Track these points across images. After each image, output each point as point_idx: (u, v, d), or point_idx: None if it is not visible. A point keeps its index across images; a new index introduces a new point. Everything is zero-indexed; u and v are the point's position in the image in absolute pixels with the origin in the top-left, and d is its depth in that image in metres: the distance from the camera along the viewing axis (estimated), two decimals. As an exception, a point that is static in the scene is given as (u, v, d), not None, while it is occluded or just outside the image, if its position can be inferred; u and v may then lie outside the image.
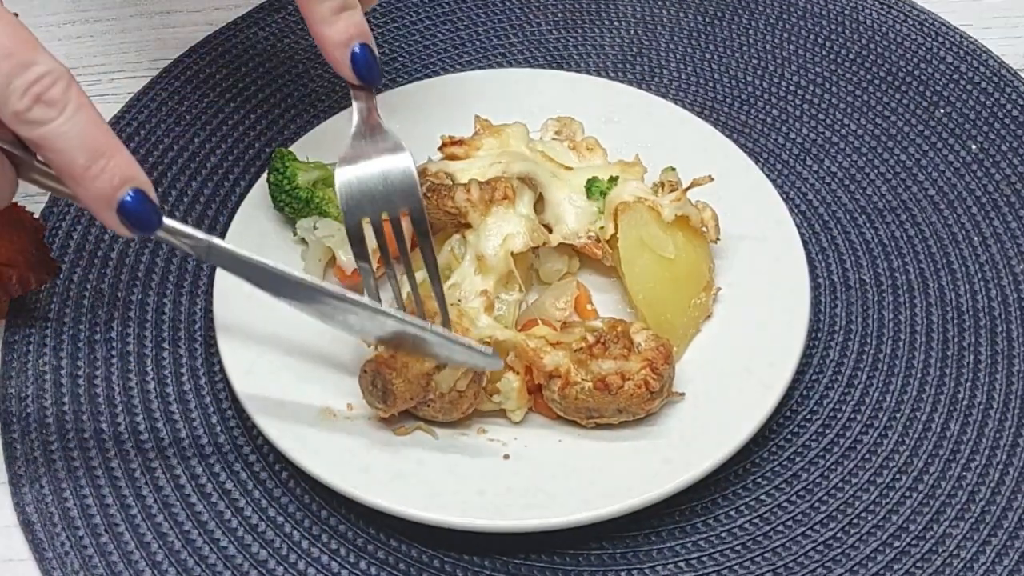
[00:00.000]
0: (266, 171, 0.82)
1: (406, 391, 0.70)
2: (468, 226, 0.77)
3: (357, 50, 0.70)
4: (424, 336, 0.68)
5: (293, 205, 0.80)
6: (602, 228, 0.80)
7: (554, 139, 0.85)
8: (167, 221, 0.63)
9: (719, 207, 0.80)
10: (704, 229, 0.79)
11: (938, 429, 0.76)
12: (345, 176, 0.71)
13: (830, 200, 0.89)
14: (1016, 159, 0.91)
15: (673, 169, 0.82)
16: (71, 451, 0.74)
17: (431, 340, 0.68)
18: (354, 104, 0.74)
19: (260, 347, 0.75)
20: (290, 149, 0.83)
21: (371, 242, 0.72)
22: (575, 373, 0.71)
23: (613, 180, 0.80)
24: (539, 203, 0.81)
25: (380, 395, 0.70)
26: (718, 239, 0.79)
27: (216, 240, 0.65)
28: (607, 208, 0.79)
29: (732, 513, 0.72)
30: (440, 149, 0.84)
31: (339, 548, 0.71)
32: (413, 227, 0.72)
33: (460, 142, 0.84)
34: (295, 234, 0.81)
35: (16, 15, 0.66)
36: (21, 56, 0.56)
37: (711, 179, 0.79)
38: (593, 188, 0.81)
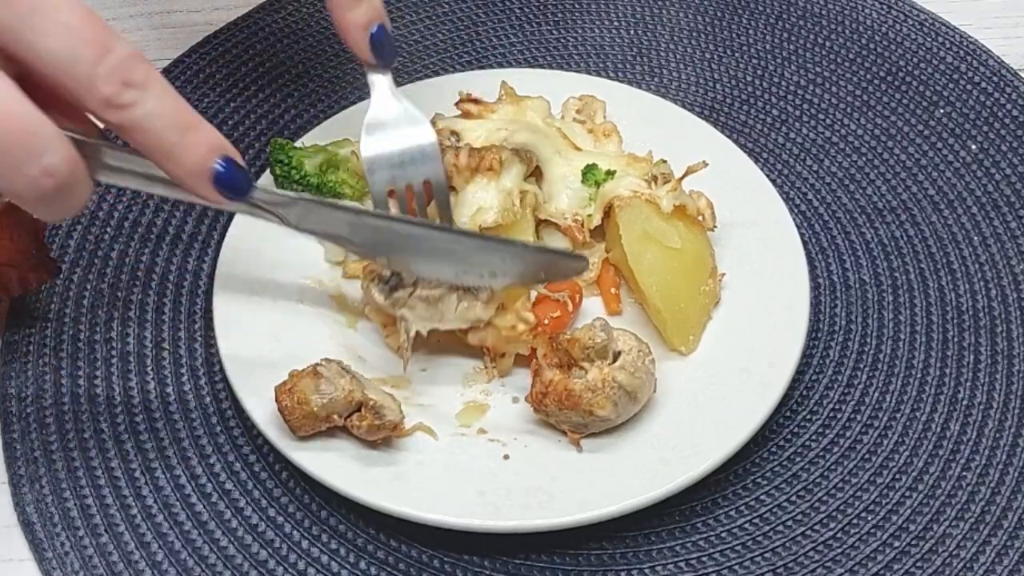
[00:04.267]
0: (269, 167, 0.81)
1: (304, 426, 0.70)
2: (455, 189, 0.79)
3: (375, 31, 0.73)
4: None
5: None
6: (589, 216, 0.80)
7: (575, 119, 0.86)
8: (258, 185, 0.64)
9: (719, 206, 0.80)
10: (701, 218, 0.79)
11: (938, 429, 0.76)
12: (370, 147, 0.75)
13: (830, 200, 0.89)
14: (1016, 159, 0.91)
15: (664, 161, 0.82)
16: (71, 451, 0.74)
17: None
18: (371, 81, 0.76)
19: (261, 347, 0.75)
20: (286, 139, 0.82)
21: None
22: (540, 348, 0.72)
23: (610, 174, 0.80)
24: (541, 178, 0.82)
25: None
26: (715, 226, 0.79)
27: (307, 196, 0.68)
28: (599, 200, 0.80)
29: (732, 513, 0.72)
30: (457, 104, 0.85)
31: (339, 548, 0.71)
32: (434, 195, 0.75)
33: (476, 101, 0.84)
34: None
35: None
36: (102, 41, 0.55)
37: (706, 164, 0.79)
38: (588, 175, 0.81)
